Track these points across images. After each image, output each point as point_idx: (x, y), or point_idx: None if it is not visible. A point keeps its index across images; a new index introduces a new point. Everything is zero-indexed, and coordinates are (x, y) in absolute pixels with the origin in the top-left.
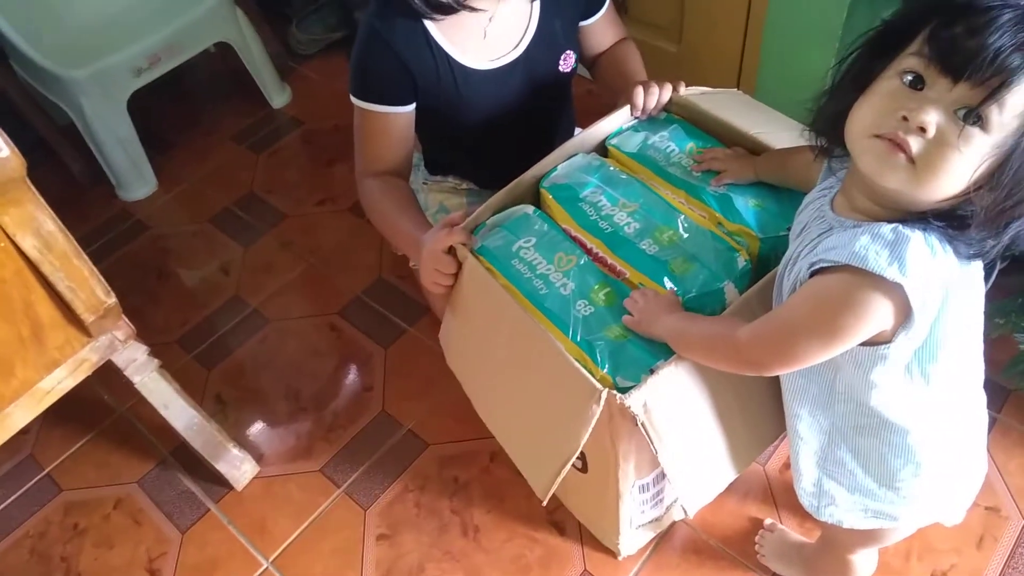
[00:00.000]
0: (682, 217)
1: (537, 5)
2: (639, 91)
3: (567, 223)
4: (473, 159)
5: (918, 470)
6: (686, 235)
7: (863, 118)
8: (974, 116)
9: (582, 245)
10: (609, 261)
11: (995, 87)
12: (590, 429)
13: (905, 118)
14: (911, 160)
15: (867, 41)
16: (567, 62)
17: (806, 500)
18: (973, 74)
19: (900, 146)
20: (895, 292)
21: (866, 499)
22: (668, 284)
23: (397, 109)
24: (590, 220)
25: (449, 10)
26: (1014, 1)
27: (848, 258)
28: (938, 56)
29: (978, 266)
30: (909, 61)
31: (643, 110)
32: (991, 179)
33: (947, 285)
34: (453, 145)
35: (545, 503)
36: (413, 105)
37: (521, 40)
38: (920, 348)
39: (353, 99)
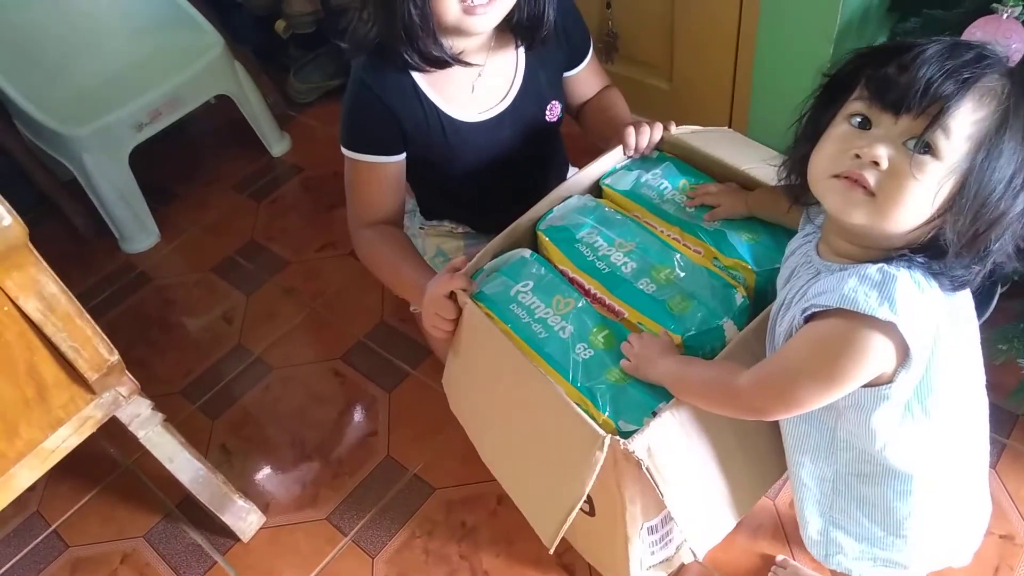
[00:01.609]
0: (678, 255)
1: (522, 59)
2: (631, 131)
3: (564, 265)
4: (467, 206)
5: (924, 516)
6: (683, 273)
7: (820, 162)
8: (922, 144)
9: (580, 287)
10: (607, 302)
11: (935, 115)
12: (595, 475)
13: (858, 155)
14: (871, 194)
15: (816, 95)
16: (553, 112)
17: (813, 549)
18: (911, 105)
19: (858, 181)
20: (890, 331)
21: (874, 548)
22: (669, 325)
23: (388, 159)
24: (587, 261)
25: (443, 64)
26: (938, 38)
27: (839, 301)
28: (877, 95)
29: (966, 295)
30: (854, 105)
31: (635, 149)
32: (954, 204)
33: (937, 318)
34: (446, 193)
35: (552, 551)
36: (403, 155)
37: (508, 93)
38: (918, 384)
39: (344, 150)
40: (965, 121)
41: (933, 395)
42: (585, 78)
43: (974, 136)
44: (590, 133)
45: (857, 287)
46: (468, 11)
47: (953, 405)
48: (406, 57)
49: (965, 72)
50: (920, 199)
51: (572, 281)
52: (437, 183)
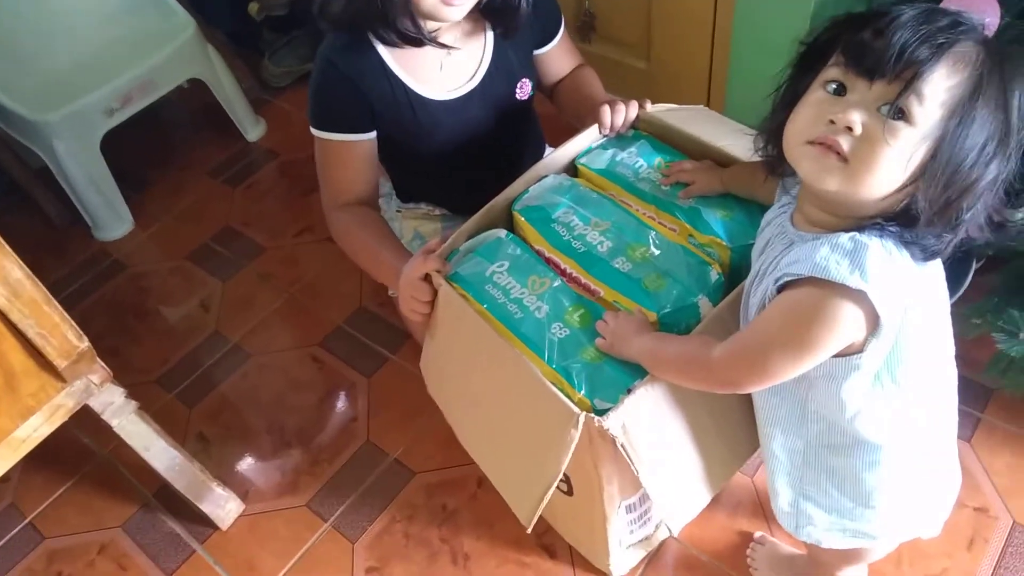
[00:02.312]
0: (653, 233)
1: (491, 38)
2: (606, 109)
3: (540, 244)
4: (441, 186)
5: (893, 487)
6: (658, 251)
7: (795, 128)
8: (895, 110)
9: (556, 266)
10: (583, 281)
11: (908, 79)
12: (570, 453)
13: (832, 121)
14: (844, 160)
15: (793, 63)
16: (523, 90)
17: (784, 520)
18: (886, 71)
19: (831, 147)
20: (860, 299)
21: (843, 519)
22: (644, 302)
23: (358, 137)
24: (563, 240)
25: (417, 43)
26: (916, 4)
27: (811, 270)
28: (853, 60)
29: (937, 265)
30: (830, 71)
31: (611, 127)
32: (926, 171)
33: (908, 288)
34: (420, 173)
35: (530, 530)
36: (374, 133)
37: (476, 72)
38: (889, 354)
39: (313, 131)
40: (939, 87)
41: (903, 365)
42: (557, 56)
43: (947, 102)
44: (564, 112)
45: (829, 255)
46: (446, 1)
47: (922, 376)
48: (381, 33)
49: (940, 37)
50: (893, 165)
51: (548, 261)
52: (411, 163)
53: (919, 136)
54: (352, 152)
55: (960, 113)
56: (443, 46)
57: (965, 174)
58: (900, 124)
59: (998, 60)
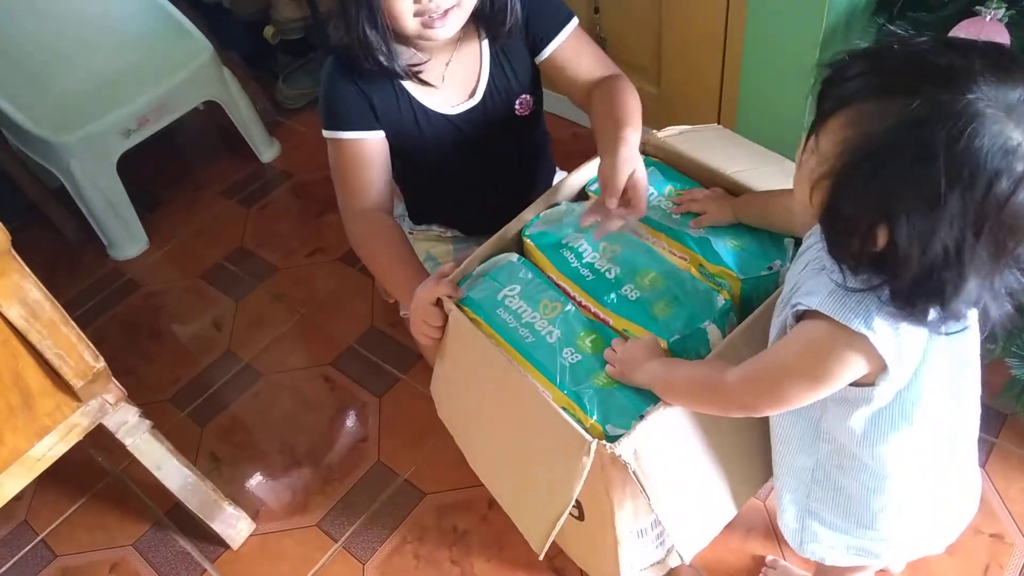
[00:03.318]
0: (661, 260)
1: (487, 53)
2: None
3: (550, 271)
4: (451, 205)
5: (898, 512)
6: (666, 279)
7: None
8: (812, 143)
9: (565, 292)
10: (592, 308)
11: (816, 122)
12: (582, 480)
13: None
14: None
15: None
16: (523, 106)
17: (789, 536)
18: (819, 110)
19: None
20: (864, 344)
21: (847, 537)
22: (653, 330)
23: (367, 134)
24: (571, 267)
25: (399, 77)
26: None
27: (819, 305)
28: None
29: None
30: None
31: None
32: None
33: (921, 333)
34: (431, 192)
35: (542, 557)
36: (382, 132)
37: (476, 89)
38: (904, 390)
39: (325, 133)
40: (835, 133)
41: (919, 404)
42: (570, 57)
43: (843, 148)
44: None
45: (839, 294)
46: (427, 24)
47: (940, 412)
48: (363, 63)
49: (851, 90)
50: (801, 183)
51: (558, 286)
52: (421, 180)
53: (819, 166)
54: (363, 151)
55: (851, 167)
56: (423, 83)
57: (854, 225)
58: (812, 157)
59: (945, 117)
